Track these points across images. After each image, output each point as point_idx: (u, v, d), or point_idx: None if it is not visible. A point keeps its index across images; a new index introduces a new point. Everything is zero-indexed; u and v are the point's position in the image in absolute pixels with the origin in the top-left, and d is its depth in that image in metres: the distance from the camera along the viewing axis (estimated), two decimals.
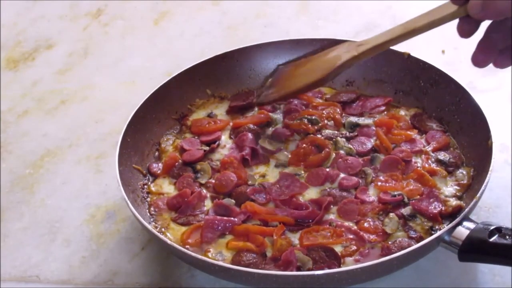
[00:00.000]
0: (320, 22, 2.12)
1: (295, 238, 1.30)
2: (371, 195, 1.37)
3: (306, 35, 1.73)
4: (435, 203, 1.32)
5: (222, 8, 2.24)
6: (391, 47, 1.59)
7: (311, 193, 1.39)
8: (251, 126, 1.56)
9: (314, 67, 1.49)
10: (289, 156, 1.48)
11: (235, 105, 1.65)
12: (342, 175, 1.42)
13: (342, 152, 1.47)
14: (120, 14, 2.27)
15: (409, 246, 1.22)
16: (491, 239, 1.12)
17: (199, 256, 1.20)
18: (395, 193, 1.36)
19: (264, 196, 1.38)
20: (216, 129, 1.58)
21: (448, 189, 1.37)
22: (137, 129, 1.50)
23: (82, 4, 2.34)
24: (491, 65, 1.22)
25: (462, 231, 1.17)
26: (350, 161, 1.44)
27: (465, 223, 1.19)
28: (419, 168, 1.41)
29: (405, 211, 1.32)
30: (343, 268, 1.20)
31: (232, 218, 1.33)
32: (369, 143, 1.49)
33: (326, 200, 1.34)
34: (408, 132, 1.51)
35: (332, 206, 1.35)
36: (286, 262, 1.23)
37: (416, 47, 1.57)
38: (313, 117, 1.56)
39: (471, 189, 1.35)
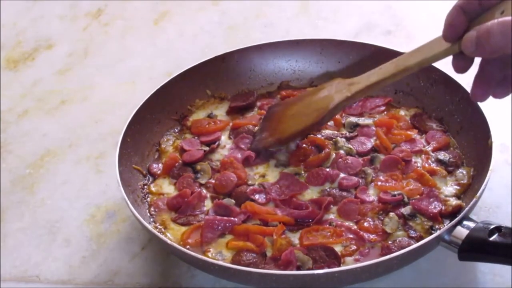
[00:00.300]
0: (320, 22, 2.12)
1: (295, 238, 1.30)
2: (371, 195, 1.37)
3: (306, 35, 1.74)
4: (435, 202, 1.33)
5: (222, 8, 2.25)
6: (392, 48, 1.61)
7: (311, 193, 1.39)
8: (251, 126, 1.56)
9: (305, 108, 1.46)
10: (289, 156, 1.48)
11: (235, 105, 1.65)
12: (342, 175, 1.42)
13: (342, 152, 1.47)
14: (120, 14, 2.27)
15: (409, 245, 1.22)
16: (491, 239, 1.12)
17: (199, 256, 1.20)
18: (395, 192, 1.36)
19: (264, 196, 1.38)
20: (216, 129, 1.58)
21: (448, 188, 1.37)
22: (137, 129, 1.50)
23: (82, 4, 2.34)
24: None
25: (462, 231, 1.17)
26: (350, 161, 1.44)
27: (465, 223, 1.19)
28: (419, 168, 1.41)
29: (405, 210, 1.32)
30: (343, 268, 1.20)
31: (232, 218, 1.33)
32: (369, 143, 1.49)
33: (326, 200, 1.34)
34: (408, 132, 1.51)
35: (332, 206, 1.35)
36: (286, 261, 1.23)
37: (415, 47, 1.57)
38: None
39: (471, 189, 1.35)
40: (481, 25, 1.08)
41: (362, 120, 1.56)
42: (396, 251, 1.21)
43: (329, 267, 1.22)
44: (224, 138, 1.57)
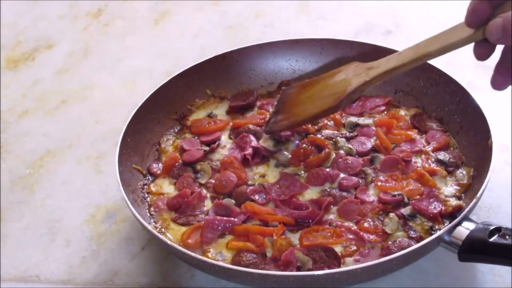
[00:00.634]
0: (320, 22, 2.12)
1: (295, 238, 1.30)
2: (371, 195, 1.37)
3: (306, 35, 1.73)
4: (435, 203, 1.33)
5: (222, 8, 2.24)
6: (392, 48, 1.61)
7: (311, 193, 1.39)
8: (251, 126, 1.56)
9: (321, 91, 1.44)
10: (289, 156, 1.48)
11: (235, 105, 1.65)
12: (342, 175, 1.42)
13: (342, 152, 1.47)
14: (120, 14, 2.27)
15: (409, 246, 1.22)
16: (491, 239, 1.12)
17: (199, 256, 1.20)
18: (395, 193, 1.36)
19: (264, 196, 1.38)
20: (216, 129, 1.58)
21: (448, 189, 1.37)
22: (137, 129, 1.50)
23: (82, 4, 2.34)
24: (492, 64, 1.21)
25: (462, 231, 1.17)
26: (350, 161, 1.44)
27: (465, 223, 1.19)
28: (419, 168, 1.41)
29: (405, 211, 1.32)
30: (343, 268, 1.20)
31: (232, 218, 1.33)
32: (369, 143, 1.49)
33: (326, 200, 1.34)
34: (408, 132, 1.51)
35: (332, 206, 1.35)
36: (286, 262, 1.23)
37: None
38: None
39: (471, 189, 1.35)
40: (508, 13, 1.08)
41: (362, 120, 1.56)
42: (396, 251, 1.21)
43: (329, 268, 1.22)
44: (224, 138, 1.57)
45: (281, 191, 1.39)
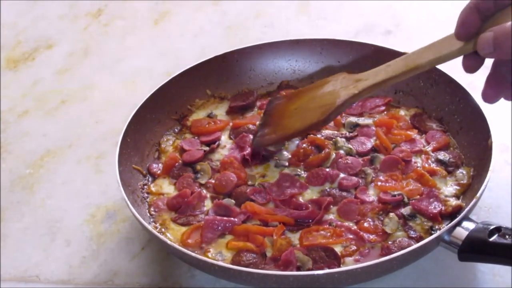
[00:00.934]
0: (320, 22, 2.12)
1: (295, 238, 1.30)
2: (371, 195, 1.37)
3: (306, 35, 1.73)
4: (435, 203, 1.33)
5: (222, 8, 2.24)
6: (392, 48, 1.61)
7: (311, 193, 1.39)
8: (251, 126, 1.56)
9: (309, 103, 1.41)
10: (289, 156, 1.48)
11: (235, 105, 1.65)
12: (342, 175, 1.42)
13: (342, 152, 1.47)
14: (120, 14, 2.27)
15: (409, 246, 1.22)
16: (491, 239, 1.12)
17: (199, 256, 1.20)
18: (395, 193, 1.36)
19: (264, 196, 1.38)
20: (216, 129, 1.58)
21: (448, 189, 1.37)
22: (137, 129, 1.50)
23: (82, 4, 2.34)
24: (491, 63, 1.20)
25: (462, 231, 1.17)
26: (350, 161, 1.44)
27: (465, 223, 1.19)
28: (419, 168, 1.41)
29: (405, 211, 1.32)
30: (343, 268, 1.20)
31: (232, 218, 1.33)
32: (369, 143, 1.49)
33: (326, 200, 1.34)
34: (408, 132, 1.51)
35: (332, 206, 1.35)
36: (286, 262, 1.23)
37: (416, 47, 1.57)
38: None
39: (471, 189, 1.35)
40: (499, 26, 1.07)
41: (362, 120, 1.56)
42: (396, 251, 1.21)
43: (329, 268, 1.22)
44: (224, 138, 1.57)
45: (281, 191, 1.39)
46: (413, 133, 1.51)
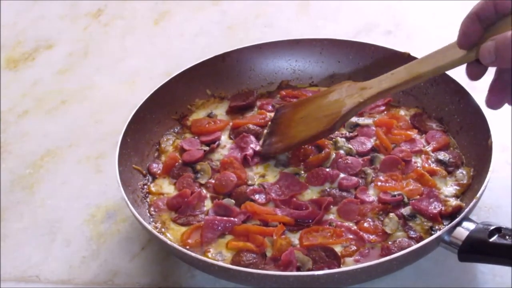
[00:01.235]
0: (320, 22, 2.12)
1: (295, 238, 1.30)
2: (371, 195, 1.37)
3: (306, 35, 1.73)
4: (435, 203, 1.33)
5: (222, 8, 2.24)
6: (392, 48, 1.61)
7: (311, 193, 1.39)
8: (251, 126, 1.56)
9: (315, 112, 1.43)
10: (289, 156, 1.48)
11: (235, 105, 1.65)
12: (342, 175, 1.42)
13: (342, 152, 1.47)
14: (120, 14, 2.27)
15: (409, 246, 1.22)
16: (491, 239, 1.12)
17: (199, 256, 1.20)
18: (395, 193, 1.36)
19: (264, 196, 1.38)
20: (216, 129, 1.58)
21: (448, 189, 1.37)
22: (137, 129, 1.50)
23: (82, 4, 2.34)
24: (494, 69, 1.20)
25: (462, 231, 1.17)
26: (350, 161, 1.44)
27: (465, 223, 1.19)
28: (419, 168, 1.41)
29: (405, 211, 1.32)
30: (343, 268, 1.20)
31: (232, 218, 1.33)
32: (369, 143, 1.49)
33: (326, 200, 1.34)
34: (408, 132, 1.51)
35: (332, 206, 1.35)
36: (286, 262, 1.23)
37: (416, 47, 1.57)
38: None
39: (471, 189, 1.35)
40: (500, 35, 1.08)
41: (362, 120, 1.56)
42: (396, 251, 1.21)
43: (329, 268, 1.22)
44: (224, 138, 1.57)
45: (281, 191, 1.39)
46: (413, 133, 1.51)
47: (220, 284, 1.29)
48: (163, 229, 1.35)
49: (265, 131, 1.53)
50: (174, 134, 1.60)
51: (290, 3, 2.22)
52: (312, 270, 1.22)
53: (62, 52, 2.10)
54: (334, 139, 1.50)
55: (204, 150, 1.52)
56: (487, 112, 1.39)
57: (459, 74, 1.51)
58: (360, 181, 1.40)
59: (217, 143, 1.54)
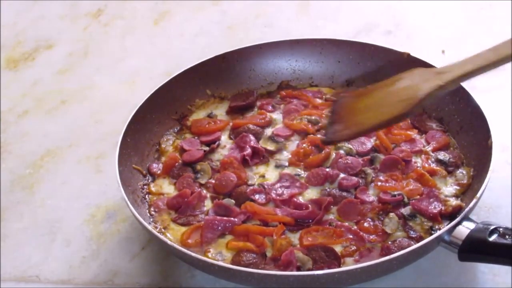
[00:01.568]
0: (320, 22, 2.12)
1: (295, 238, 1.30)
2: (371, 195, 1.37)
3: (306, 35, 1.73)
4: (435, 203, 1.33)
5: (222, 8, 2.24)
6: (392, 48, 1.61)
7: (311, 193, 1.39)
8: (251, 126, 1.56)
9: (384, 99, 1.38)
10: (289, 156, 1.48)
11: (235, 105, 1.65)
12: (342, 175, 1.42)
13: (342, 152, 1.47)
14: (120, 14, 2.27)
15: (409, 246, 1.22)
16: (491, 239, 1.13)
17: (199, 256, 1.20)
18: (395, 193, 1.36)
19: (264, 196, 1.38)
20: (216, 129, 1.58)
21: (448, 189, 1.37)
22: (137, 129, 1.50)
23: (82, 4, 2.34)
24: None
25: (462, 231, 1.17)
26: (350, 161, 1.44)
27: (465, 223, 1.19)
28: (419, 168, 1.41)
29: (405, 211, 1.32)
30: (343, 268, 1.20)
31: (232, 218, 1.33)
32: (369, 143, 1.49)
33: (326, 200, 1.34)
34: (408, 132, 1.51)
35: (332, 206, 1.35)
36: (286, 262, 1.23)
37: (416, 47, 1.57)
38: (313, 117, 1.56)
39: (471, 189, 1.35)
40: None
41: None
42: (396, 251, 1.21)
43: (329, 268, 1.22)
44: (224, 138, 1.57)
45: (281, 191, 1.39)
46: (413, 133, 1.51)
47: (220, 284, 1.29)
48: (163, 229, 1.35)
49: (326, 121, 1.48)
50: (174, 134, 1.60)
51: (290, 3, 2.22)
52: (312, 270, 1.22)
53: (62, 52, 2.10)
54: None
55: (204, 150, 1.52)
56: (487, 112, 1.39)
57: None
58: (360, 181, 1.40)
59: (217, 143, 1.54)
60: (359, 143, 1.49)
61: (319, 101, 1.64)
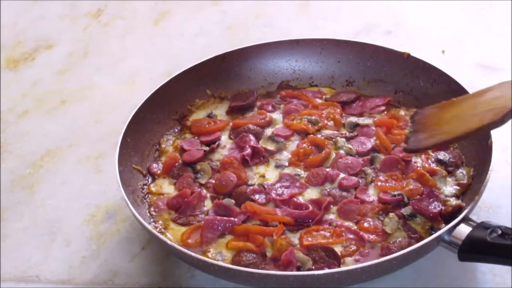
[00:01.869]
0: (320, 22, 2.12)
1: (295, 238, 1.30)
2: (371, 195, 1.37)
3: (306, 35, 1.73)
4: (435, 203, 1.33)
5: (222, 8, 2.24)
6: (392, 48, 1.61)
7: (311, 193, 1.39)
8: (251, 126, 1.56)
9: (471, 110, 1.36)
10: (289, 156, 1.48)
11: (235, 105, 1.65)
12: (342, 175, 1.42)
13: (342, 152, 1.47)
14: (120, 14, 2.27)
15: (409, 246, 1.22)
16: (491, 239, 1.12)
17: (199, 256, 1.20)
18: (395, 193, 1.36)
19: (264, 196, 1.38)
20: (216, 129, 1.58)
21: (448, 189, 1.37)
22: (137, 129, 1.50)
23: (82, 4, 2.34)
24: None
25: (462, 231, 1.17)
26: (350, 161, 1.44)
27: (465, 223, 1.19)
28: (419, 168, 1.41)
29: (405, 211, 1.32)
30: (343, 268, 1.20)
31: (232, 218, 1.33)
32: (369, 143, 1.49)
33: (326, 200, 1.34)
34: None
35: (332, 206, 1.35)
36: (286, 262, 1.23)
37: (416, 47, 1.57)
38: (313, 117, 1.56)
39: (471, 189, 1.35)
40: None
41: (362, 120, 1.56)
42: (396, 251, 1.21)
43: (329, 268, 1.22)
44: (224, 138, 1.57)
45: (281, 191, 1.39)
46: None
47: (220, 284, 1.29)
48: (163, 229, 1.35)
49: (407, 130, 1.44)
50: (174, 134, 1.60)
51: (290, 3, 2.22)
52: (312, 270, 1.22)
53: (62, 52, 2.10)
54: (334, 139, 1.50)
55: (204, 150, 1.52)
56: None
57: (459, 74, 1.52)
58: (360, 181, 1.40)
59: (217, 143, 1.54)
60: (359, 143, 1.49)
61: (319, 101, 1.64)
